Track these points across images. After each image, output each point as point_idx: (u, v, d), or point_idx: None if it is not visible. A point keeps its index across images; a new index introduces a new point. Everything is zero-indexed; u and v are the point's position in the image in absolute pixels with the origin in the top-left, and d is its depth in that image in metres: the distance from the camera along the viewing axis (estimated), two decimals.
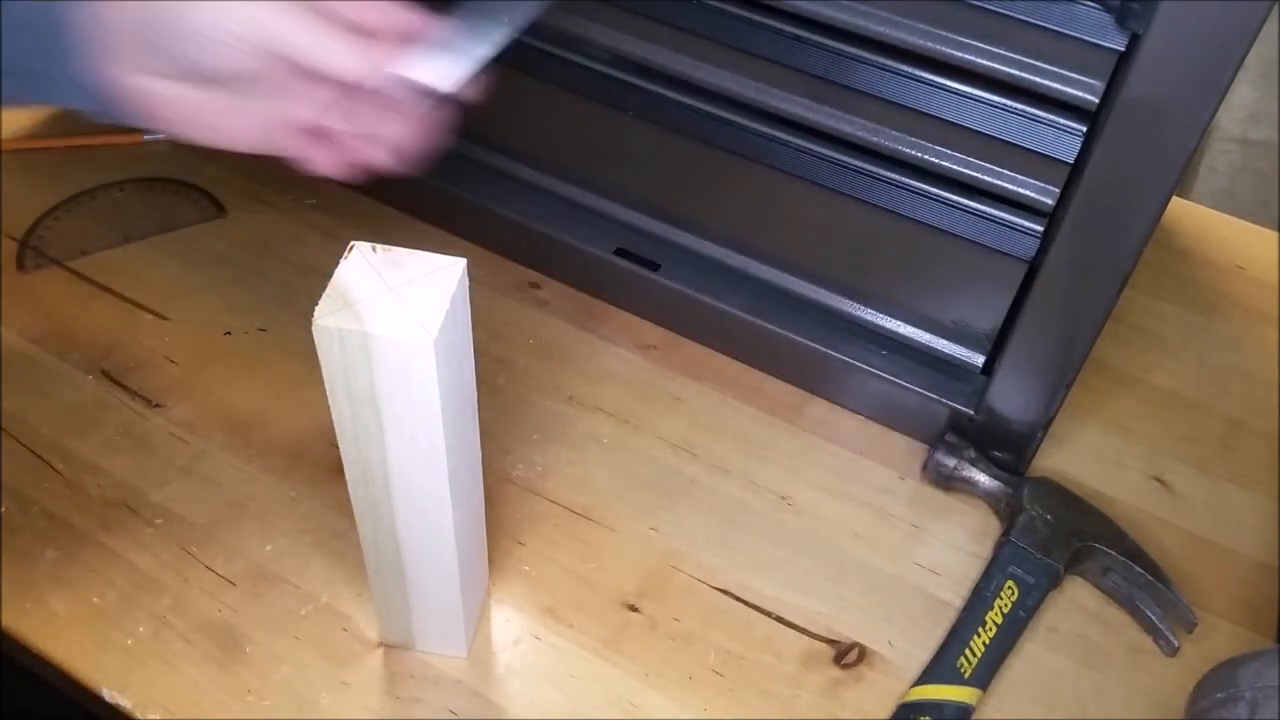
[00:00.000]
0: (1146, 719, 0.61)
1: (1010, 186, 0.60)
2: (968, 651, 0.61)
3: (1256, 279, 0.83)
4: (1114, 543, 0.65)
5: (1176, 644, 0.63)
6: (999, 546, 0.65)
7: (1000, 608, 0.63)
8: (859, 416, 0.73)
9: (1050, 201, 0.59)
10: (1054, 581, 0.64)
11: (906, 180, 0.64)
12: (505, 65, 0.75)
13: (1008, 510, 0.67)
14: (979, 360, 0.66)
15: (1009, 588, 0.63)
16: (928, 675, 0.61)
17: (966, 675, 0.61)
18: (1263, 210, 1.18)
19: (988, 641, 0.62)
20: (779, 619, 0.64)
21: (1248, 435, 0.74)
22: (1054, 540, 0.64)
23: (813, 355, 0.70)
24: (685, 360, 0.76)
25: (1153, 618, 0.63)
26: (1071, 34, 0.54)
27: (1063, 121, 0.59)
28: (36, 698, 0.65)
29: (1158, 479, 0.71)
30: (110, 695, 0.59)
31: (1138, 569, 0.63)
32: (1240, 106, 1.12)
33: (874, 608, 0.64)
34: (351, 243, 0.48)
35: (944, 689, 0.60)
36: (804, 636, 0.63)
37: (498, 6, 0.44)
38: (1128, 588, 0.64)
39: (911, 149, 0.60)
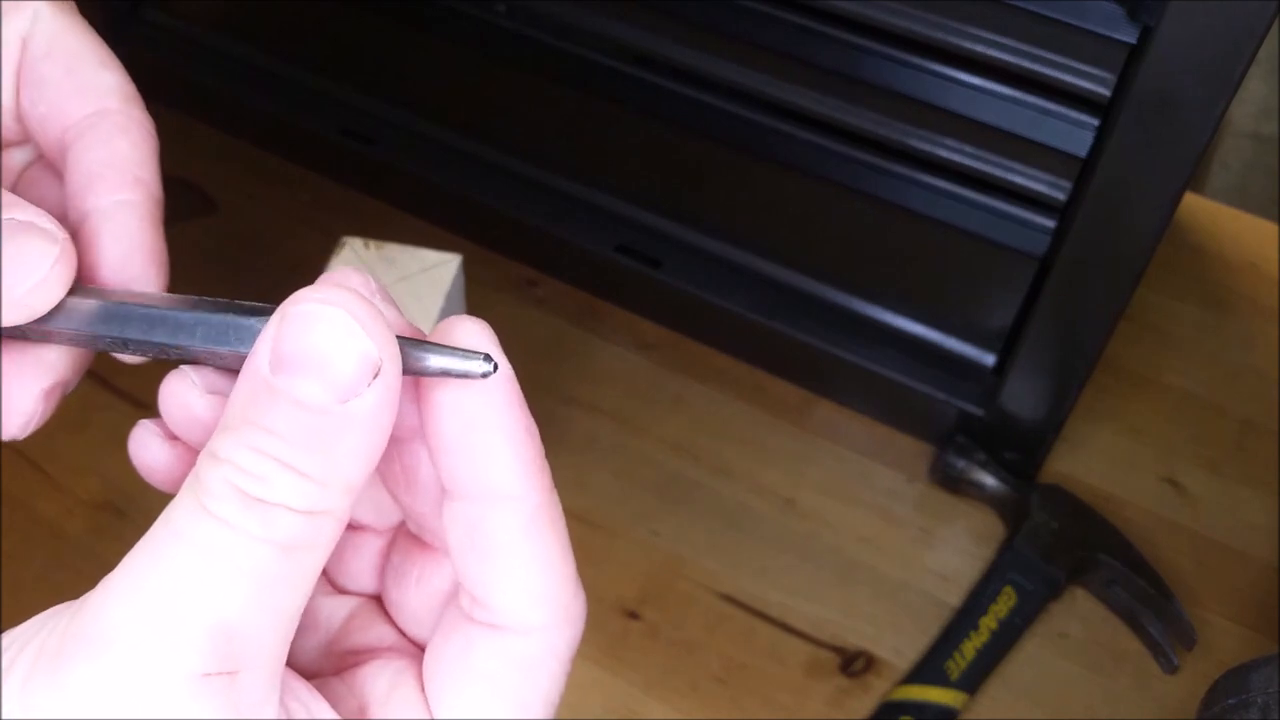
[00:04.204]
0: None
1: (1021, 181, 0.59)
2: (957, 654, 0.61)
3: (1269, 276, 0.82)
4: (1119, 554, 0.63)
5: (1177, 663, 0.62)
6: (1001, 551, 0.64)
7: (996, 613, 0.62)
8: (865, 417, 0.72)
9: (1062, 196, 0.58)
10: (1054, 590, 0.63)
11: (916, 174, 0.63)
12: (503, 59, 0.75)
13: (1014, 515, 0.66)
14: (990, 360, 0.65)
15: (1007, 593, 0.62)
16: (914, 675, 0.60)
17: (954, 678, 0.60)
18: (1275, 207, 1.17)
19: (979, 646, 0.61)
20: (784, 626, 0.63)
21: (1260, 436, 0.73)
22: (1058, 549, 0.63)
23: (818, 355, 0.69)
24: (687, 360, 0.74)
25: (1154, 634, 0.62)
26: (1083, 26, 0.54)
27: (1075, 115, 0.59)
28: None
29: (1170, 481, 0.70)
30: None
31: (1141, 582, 0.62)
32: (1252, 102, 1.11)
33: (881, 614, 0.63)
34: (344, 238, 0.47)
35: (929, 690, 0.60)
36: (809, 644, 0.62)
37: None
38: (1130, 601, 0.63)
39: (921, 142, 0.59)
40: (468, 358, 0.24)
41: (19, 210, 0.26)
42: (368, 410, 0.22)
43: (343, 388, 0.22)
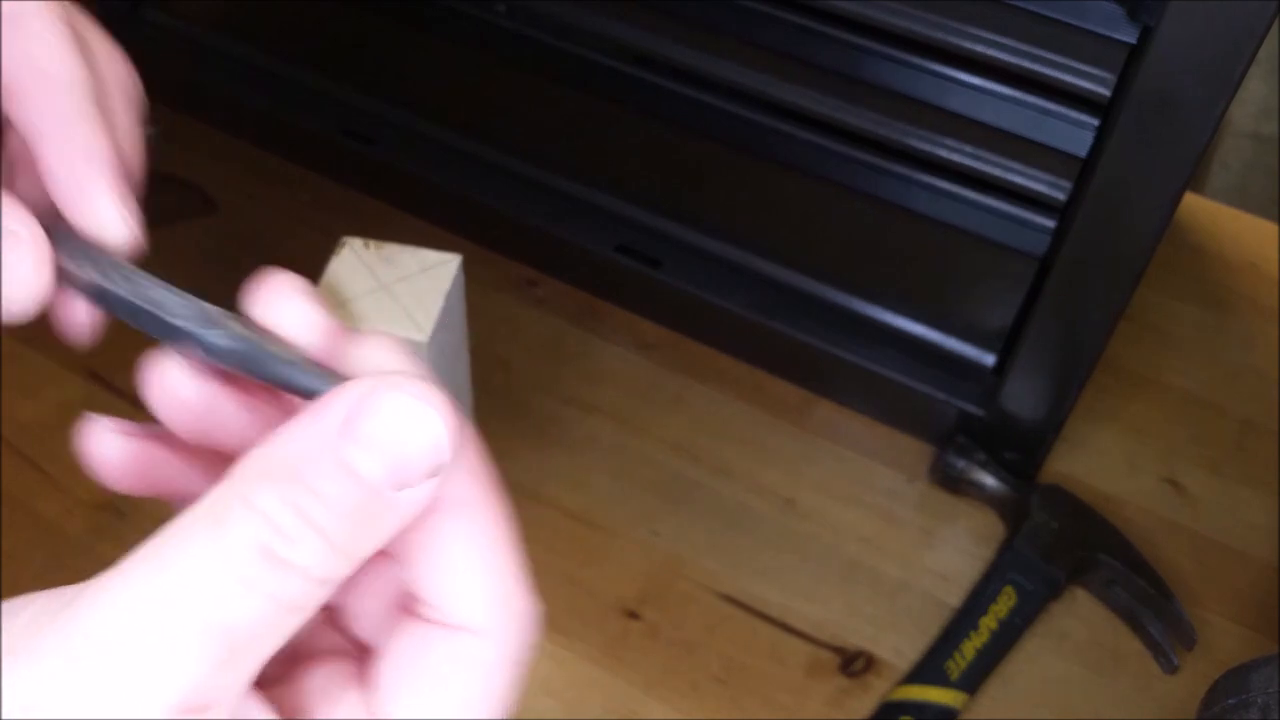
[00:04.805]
0: None
1: (1021, 181, 0.59)
2: (957, 655, 0.60)
3: (1269, 276, 0.82)
4: (1119, 554, 0.63)
5: (1177, 663, 0.61)
6: (1001, 551, 0.64)
7: (996, 613, 0.62)
8: (866, 418, 0.72)
9: (1062, 196, 0.58)
10: (1054, 590, 0.63)
11: (915, 174, 0.63)
12: (501, 57, 0.74)
13: (1014, 515, 0.66)
14: (990, 360, 0.65)
15: (1007, 593, 0.62)
16: (914, 675, 0.60)
17: (954, 678, 0.60)
18: (1275, 207, 1.17)
19: (979, 646, 0.61)
20: (784, 626, 0.62)
21: (1261, 436, 0.73)
22: (1058, 549, 0.63)
23: (819, 355, 0.69)
24: (687, 360, 0.74)
25: (1154, 634, 0.62)
26: (1083, 26, 0.54)
27: (1075, 115, 0.59)
28: None
29: (1170, 481, 0.70)
30: None
31: (1141, 582, 0.62)
32: (1252, 102, 1.10)
33: (881, 614, 0.63)
34: (344, 238, 0.47)
35: (929, 690, 0.59)
36: (810, 644, 0.62)
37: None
38: (1130, 601, 0.63)
39: (921, 142, 0.59)
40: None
41: None
42: (414, 502, 0.23)
43: (405, 478, 0.22)
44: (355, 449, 0.22)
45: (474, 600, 0.24)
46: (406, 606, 0.25)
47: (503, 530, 0.25)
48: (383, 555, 0.26)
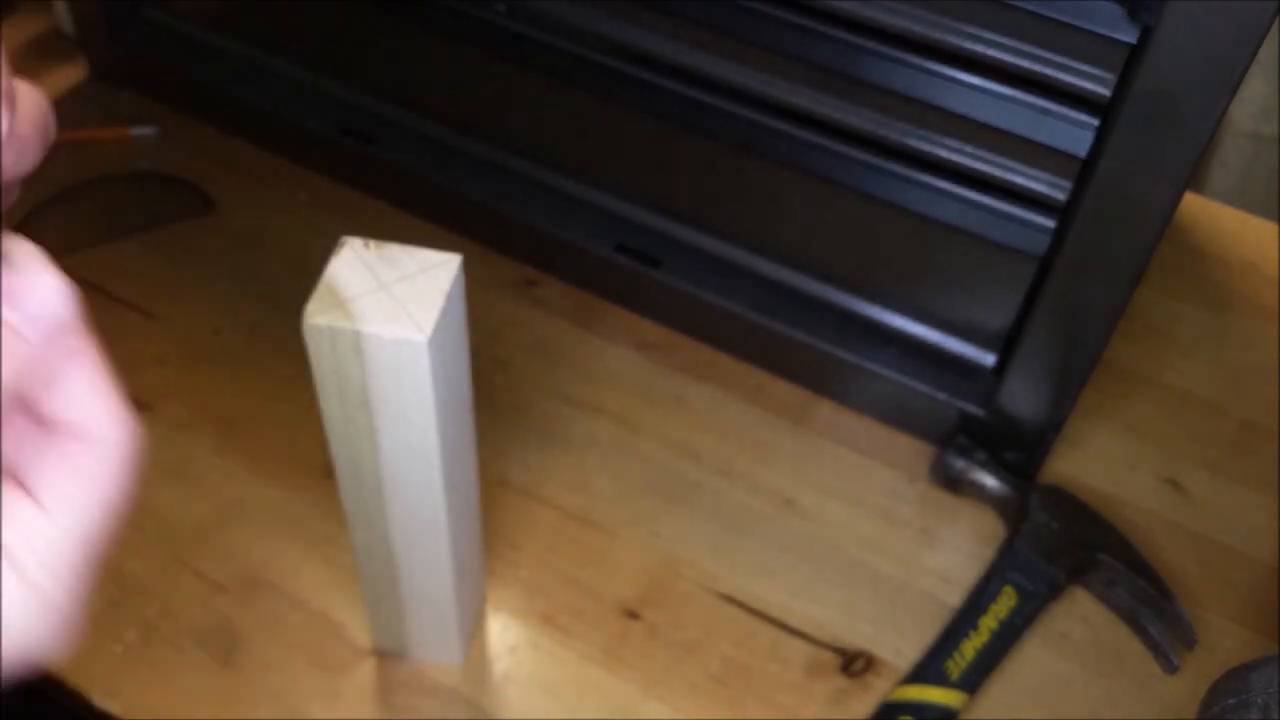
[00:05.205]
0: None
1: (1021, 181, 0.59)
2: (957, 654, 0.60)
3: (1269, 276, 0.82)
4: (1119, 554, 0.63)
5: (1177, 663, 0.61)
6: (1001, 551, 0.64)
7: (995, 613, 0.62)
8: (866, 418, 0.72)
9: (1062, 196, 0.58)
10: (1054, 590, 0.63)
11: (915, 174, 0.63)
12: (501, 57, 0.74)
13: (1014, 515, 0.66)
14: (990, 360, 0.65)
15: (1007, 593, 0.62)
16: (914, 675, 0.60)
17: (954, 678, 0.60)
18: (1275, 207, 1.17)
19: (979, 646, 0.61)
20: (784, 626, 0.62)
21: (1261, 436, 0.72)
22: (1058, 549, 0.63)
23: (819, 355, 0.69)
24: (687, 360, 0.74)
25: (1154, 634, 0.62)
26: (1083, 26, 0.54)
27: (1075, 115, 0.59)
28: (25, 703, 0.64)
29: (1171, 481, 0.70)
30: (99, 702, 0.58)
31: (1141, 582, 0.62)
32: (1252, 102, 1.10)
33: (882, 614, 0.63)
34: (343, 238, 0.47)
35: (929, 690, 0.59)
36: (810, 644, 0.62)
37: None
38: (1131, 601, 0.63)
39: (921, 142, 0.59)
40: None
41: None
42: (52, 349, 0.32)
43: (44, 330, 0.32)
44: (13, 313, 0.32)
45: (92, 413, 0.34)
46: (44, 428, 0.34)
47: (102, 369, 0.34)
48: (15, 399, 0.35)
